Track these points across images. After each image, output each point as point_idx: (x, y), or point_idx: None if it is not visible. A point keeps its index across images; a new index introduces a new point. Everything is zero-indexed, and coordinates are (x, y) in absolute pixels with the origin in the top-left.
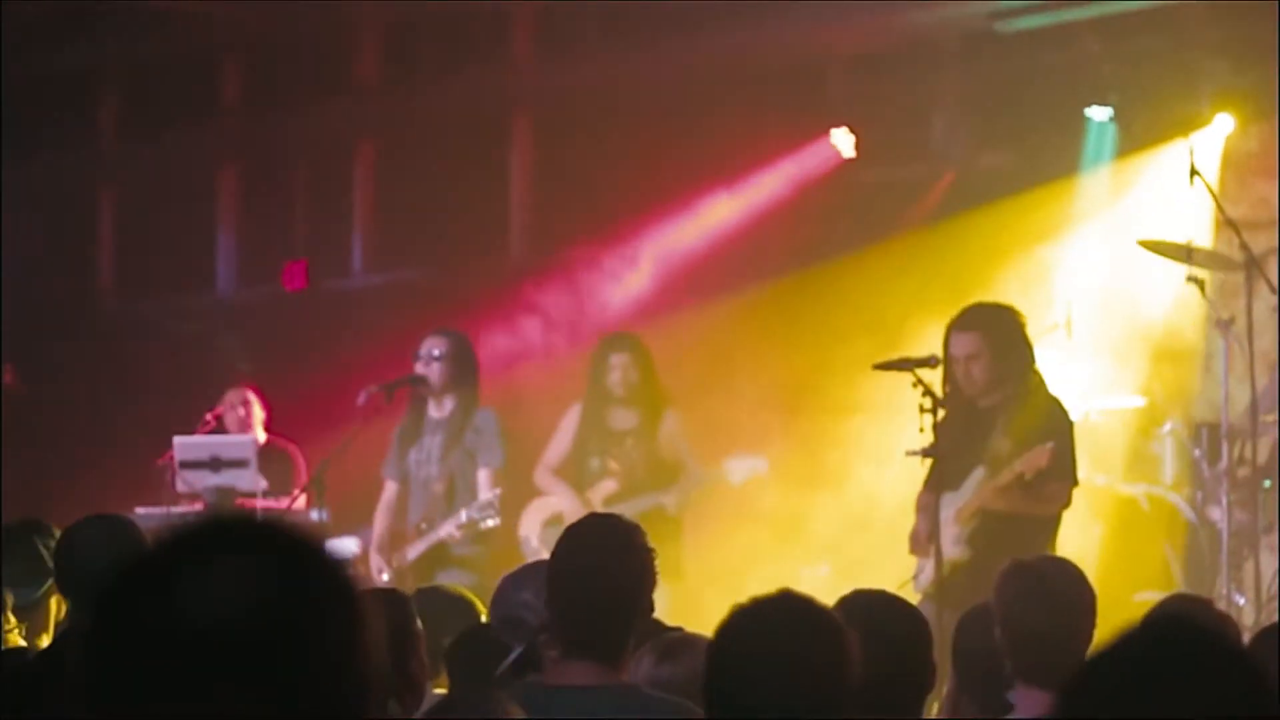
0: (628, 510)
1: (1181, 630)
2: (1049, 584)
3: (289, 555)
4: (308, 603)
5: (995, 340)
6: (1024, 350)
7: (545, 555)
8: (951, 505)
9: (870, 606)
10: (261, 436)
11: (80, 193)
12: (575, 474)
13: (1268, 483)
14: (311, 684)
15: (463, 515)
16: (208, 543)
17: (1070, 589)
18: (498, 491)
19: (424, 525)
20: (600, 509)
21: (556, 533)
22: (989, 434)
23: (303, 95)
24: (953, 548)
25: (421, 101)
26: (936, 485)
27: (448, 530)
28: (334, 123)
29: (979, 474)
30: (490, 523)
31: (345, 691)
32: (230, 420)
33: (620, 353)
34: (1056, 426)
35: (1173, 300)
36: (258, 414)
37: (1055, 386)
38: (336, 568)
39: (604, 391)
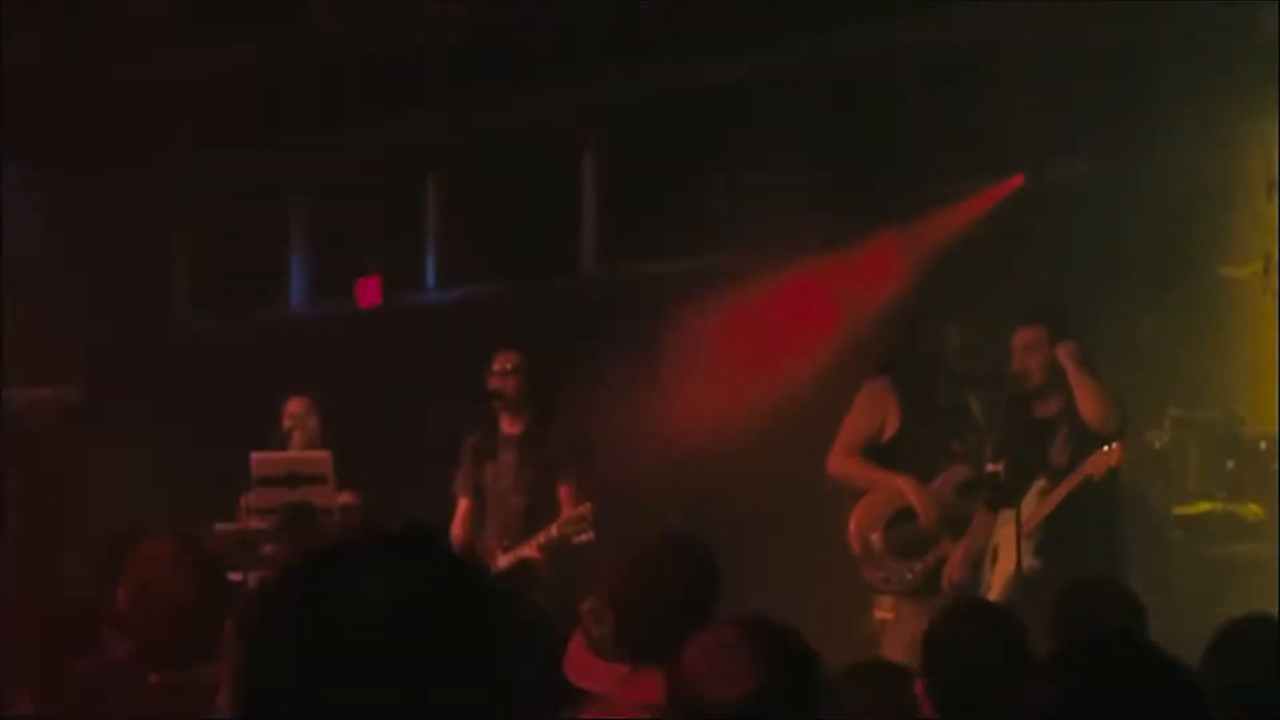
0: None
1: None
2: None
3: (425, 557)
4: (441, 602)
5: (1056, 335)
6: (1082, 355)
7: (891, 560)
8: (1011, 521)
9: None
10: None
11: (154, 209)
12: (906, 457)
13: None
14: (443, 683)
15: (554, 530)
16: (349, 546)
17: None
18: (589, 505)
19: (506, 542)
20: (953, 496)
21: (908, 532)
22: (1049, 445)
23: (375, 112)
24: (1024, 559)
25: (493, 117)
26: (998, 500)
27: (532, 546)
28: (406, 139)
29: (1039, 484)
30: (583, 537)
31: (476, 694)
32: (296, 434)
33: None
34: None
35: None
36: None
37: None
38: (473, 572)
39: (935, 362)
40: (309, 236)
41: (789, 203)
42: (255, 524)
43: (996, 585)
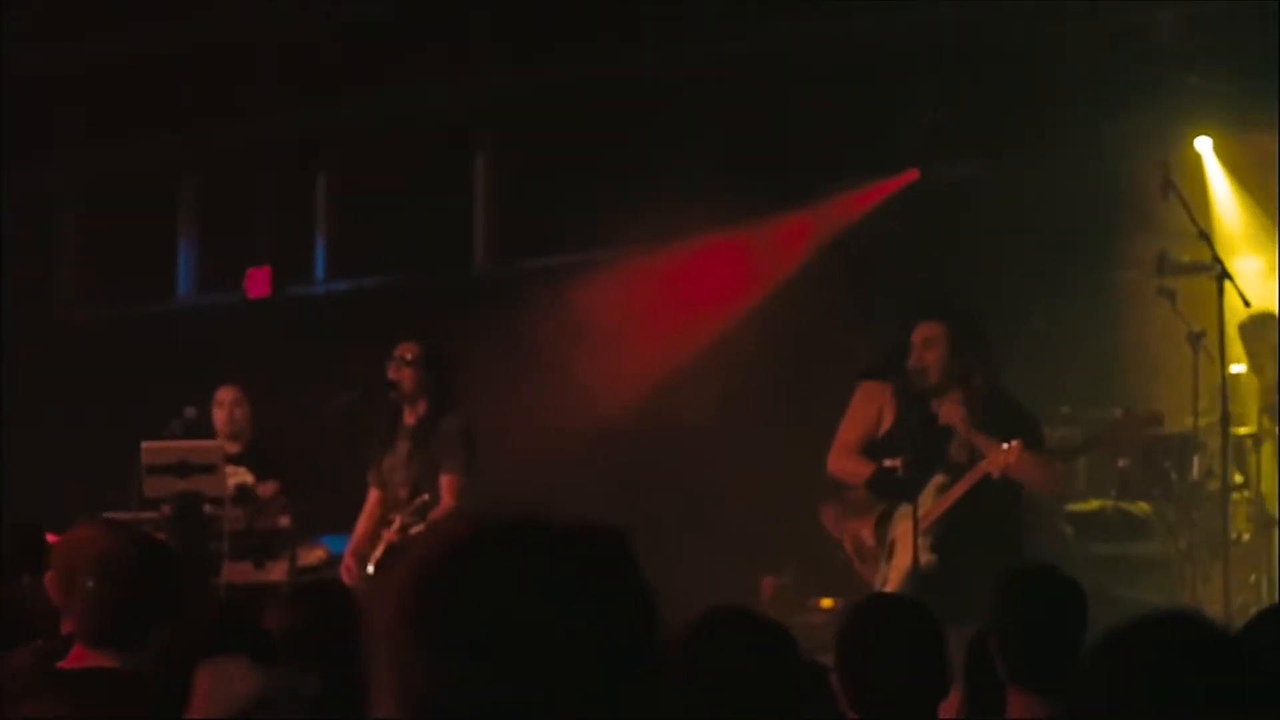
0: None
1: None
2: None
3: (592, 551)
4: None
5: (956, 332)
6: (984, 352)
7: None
8: (908, 516)
9: None
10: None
11: (41, 199)
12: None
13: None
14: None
15: (396, 520)
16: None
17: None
18: (425, 497)
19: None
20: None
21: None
22: (947, 442)
23: (266, 101)
24: (920, 555)
25: (385, 108)
26: (896, 495)
27: (388, 536)
28: (297, 129)
29: (937, 480)
30: (416, 529)
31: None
32: (219, 418)
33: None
34: (1024, 427)
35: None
36: (244, 412)
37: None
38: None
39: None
40: (197, 226)
41: (682, 195)
42: (146, 513)
43: (893, 580)
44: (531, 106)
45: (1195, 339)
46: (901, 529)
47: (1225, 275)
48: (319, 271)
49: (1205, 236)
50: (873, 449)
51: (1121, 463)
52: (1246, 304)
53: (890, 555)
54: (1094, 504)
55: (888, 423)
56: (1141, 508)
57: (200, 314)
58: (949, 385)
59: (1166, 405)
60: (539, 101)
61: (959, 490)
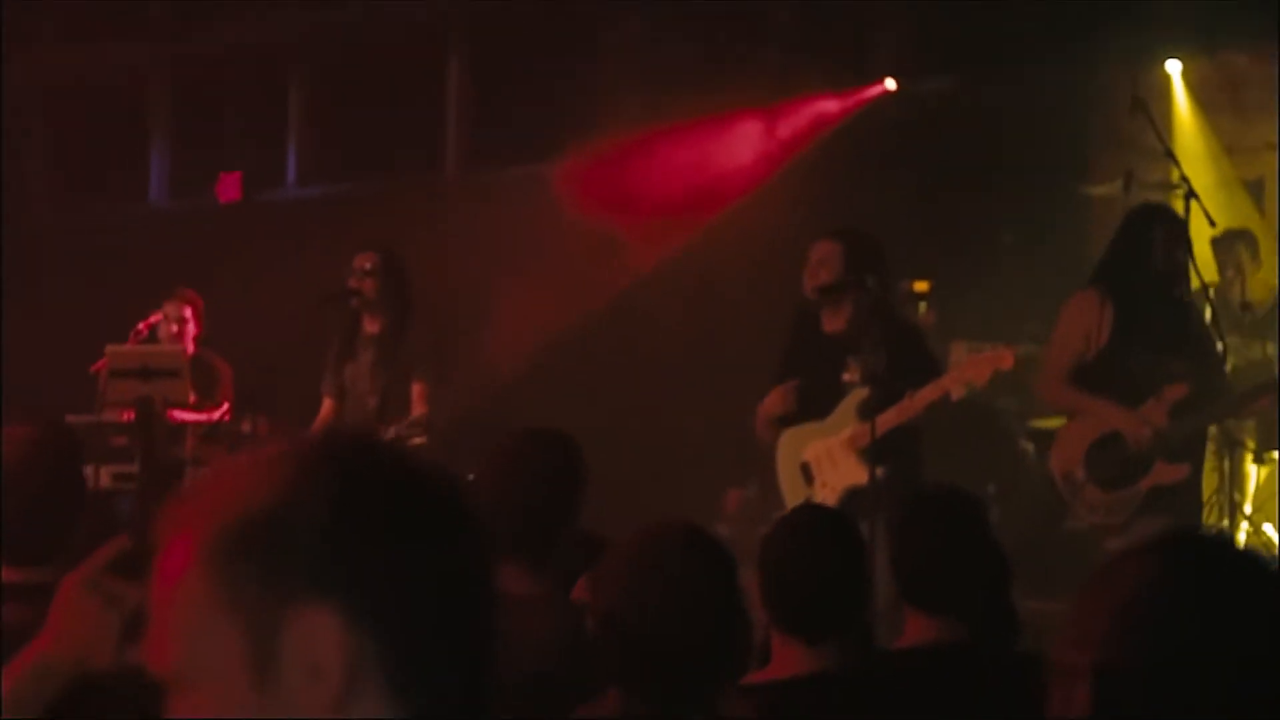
0: None
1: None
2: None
3: None
4: None
5: (850, 250)
6: (881, 270)
7: (1098, 493)
8: (819, 435)
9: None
10: (189, 349)
11: (11, 104)
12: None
13: None
14: None
15: (391, 431)
16: None
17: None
18: (424, 411)
19: None
20: (1170, 418)
21: (1113, 460)
22: (843, 358)
23: (237, 6)
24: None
25: (356, 14)
26: (800, 413)
27: None
28: (267, 35)
29: (858, 395)
30: (416, 440)
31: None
32: (163, 332)
33: None
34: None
35: None
36: (190, 329)
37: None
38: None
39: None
40: (169, 131)
41: (653, 93)
42: (108, 416)
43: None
44: (502, 8)
45: None
46: (822, 447)
47: (1192, 195)
48: (290, 177)
49: (1172, 155)
50: (1083, 372)
51: None
52: (1212, 224)
53: (809, 479)
54: (1055, 421)
55: (1101, 342)
56: None
57: (171, 218)
58: (842, 297)
59: None
60: (509, 3)
61: (921, 403)
